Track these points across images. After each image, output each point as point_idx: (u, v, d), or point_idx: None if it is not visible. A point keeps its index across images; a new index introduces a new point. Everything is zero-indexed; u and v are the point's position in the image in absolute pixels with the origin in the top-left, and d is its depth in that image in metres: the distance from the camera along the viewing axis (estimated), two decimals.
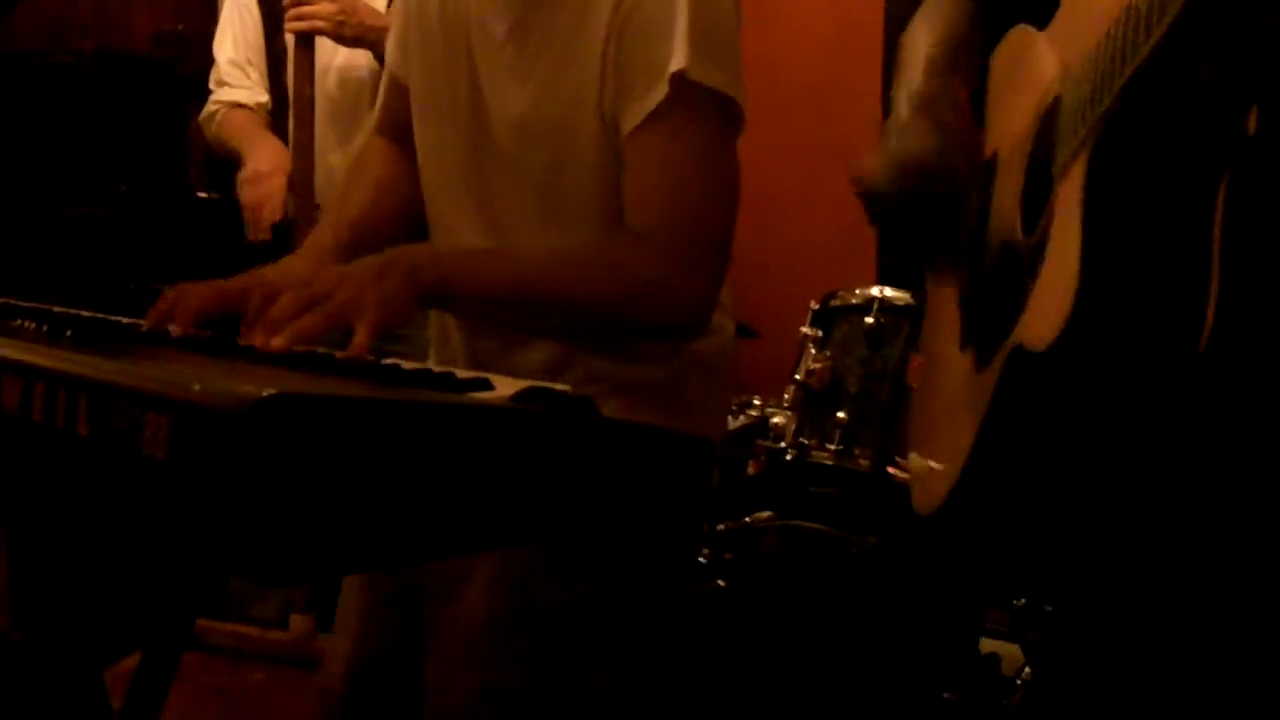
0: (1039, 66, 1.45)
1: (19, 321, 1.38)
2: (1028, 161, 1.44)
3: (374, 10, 2.87)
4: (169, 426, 0.89)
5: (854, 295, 2.94)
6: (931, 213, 1.55)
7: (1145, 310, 1.18)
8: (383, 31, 2.80)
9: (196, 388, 0.89)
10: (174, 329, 1.51)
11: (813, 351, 2.89)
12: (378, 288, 1.45)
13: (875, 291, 2.91)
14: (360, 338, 1.37)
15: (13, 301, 1.70)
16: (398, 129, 1.96)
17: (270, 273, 1.77)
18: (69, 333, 1.24)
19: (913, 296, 2.90)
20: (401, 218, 1.97)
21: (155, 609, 1.74)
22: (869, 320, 2.86)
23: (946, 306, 1.64)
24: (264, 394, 0.84)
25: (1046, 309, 1.24)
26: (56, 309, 1.61)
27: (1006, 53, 1.61)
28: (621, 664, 1.73)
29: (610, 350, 1.78)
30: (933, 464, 1.59)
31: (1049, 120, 1.37)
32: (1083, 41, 1.29)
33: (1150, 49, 1.13)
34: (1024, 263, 1.37)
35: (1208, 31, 1.13)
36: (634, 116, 1.66)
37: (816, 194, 4.04)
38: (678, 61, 1.63)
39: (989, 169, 1.57)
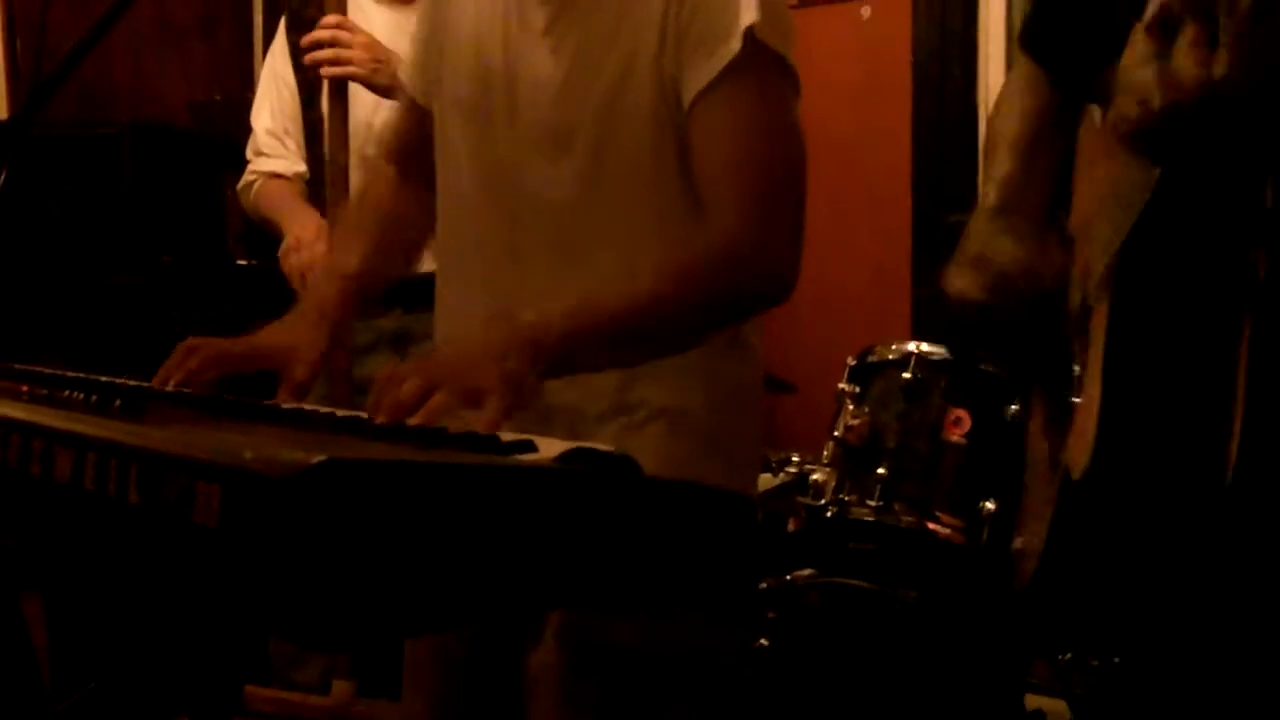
0: (1102, 154, 1.47)
1: (67, 392, 1.39)
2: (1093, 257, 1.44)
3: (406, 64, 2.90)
4: (220, 494, 0.90)
5: (890, 350, 2.94)
6: (1027, 322, 1.55)
7: (1167, 443, 1.20)
8: None
9: (247, 455, 0.90)
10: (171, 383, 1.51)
11: (850, 407, 2.88)
12: (503, 368, 1.44)
13: (911, 346, 2.90)
14: (490, 414, 1.35)
15: (59, 371, 1.72)
16: (406, 156, 1.95)
17: (274, 333, 1.78)
18: (118, 402, 1.26)
19: (948, 351, 2.90)
20: (406, 258, 1.96)
21: (201, 676, 1.74)
22: (906, 375, 2.85)
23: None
24: (314, 460, 0.85)
25: (1081, 436, 1.26)
26: (102, 378, 1.62)
27: (1086, 131, 1.62)
28: (695, 695, 1.73)
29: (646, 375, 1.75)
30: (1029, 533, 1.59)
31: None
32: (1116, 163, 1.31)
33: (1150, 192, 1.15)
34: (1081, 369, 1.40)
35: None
36: (703, 76, 1.65)
37: (849, 244, 4.06)
38: (750, 17, 1.63)
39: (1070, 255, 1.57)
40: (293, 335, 1.82)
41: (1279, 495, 1.22)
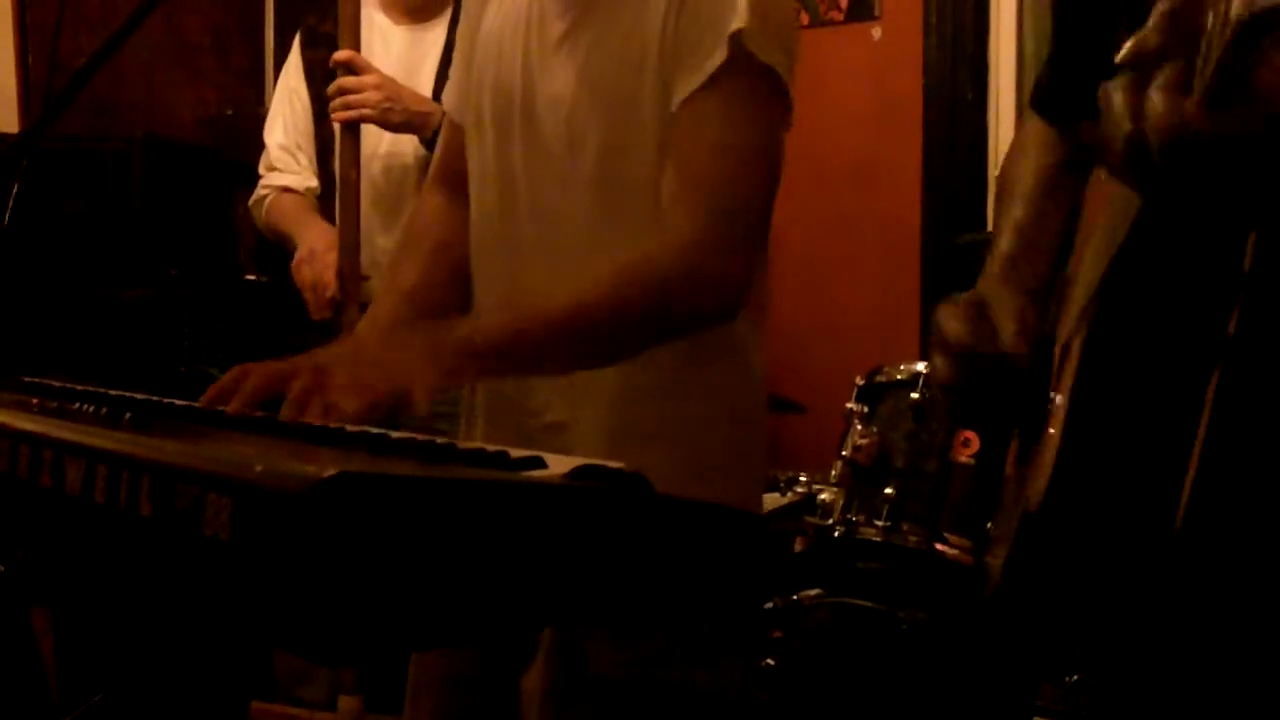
0: (1100, 208, 1.48)
1: (78, 404, 1.39)
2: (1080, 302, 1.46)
3: (418, 96, 2.90)
4: (231, 507, 0.90)
5: (899, 371, 2.94)
6: (996, 398, 1.56)
7: (1118, 488, 1.21)
8: (428, 117, 2.83)
9: (258, 469, 0.90)
10: (230, 407, 1.52)
11: (859, 427, 2.89)
12: (422, 365, 1.46)
13: (920, 367, 2.91)
14: (418, 395, 1.39)
15: (68, 384, 1.72)
16: (454, 176, 1.96)
17: (324, 355, 1.78)
18: (128, 415, 1.26)
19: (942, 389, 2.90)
20: (458, 281, 1.96)
21: (208, 690, 1.74)
22: (914, 395, 2.86)
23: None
24: (326, 474, 0.85)
25: (1040, 471, 1.27)
26: (112, 391, 1.62)
27: (1095, 182, 1.63)
28: None
29: (648, 392, 1.76)
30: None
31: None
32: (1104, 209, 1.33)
33: (1121, 244, 1.16)
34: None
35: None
36: (689, 83, 1.66)
37: (858, 264, 4.06)
38: (738, 23, 1.64)
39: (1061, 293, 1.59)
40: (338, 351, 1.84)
41: (1227, 543, 1.24)
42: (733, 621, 1.84)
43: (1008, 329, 1.53)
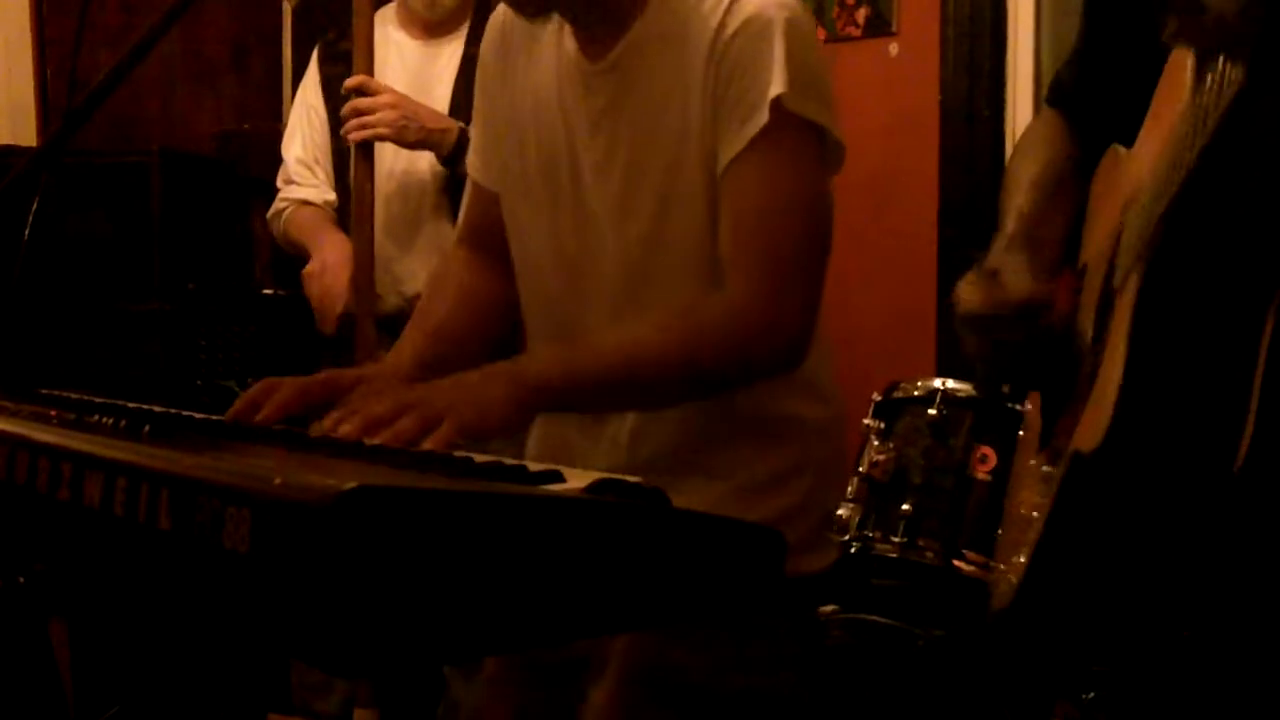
0: (1120, 184, 1.50)
1: (97, 417, 1.39)
2: (1104, 275, 1.48)
3: (434, 113, 2.91)
4: (251, 520, 0.90)
5: (916, 387, 2.93)
6: (1027, 347, 1.56)
7: (1183, 424, 1.20)
8: (444, 134, 2.84)
9: (278, 482, 0.90)
10: (258, 419, 1.54)
11: (875, 443, 2.88)
12: (474, 393, 1.49)
13: (937, 383, 2.90)
14: (444, 430, 1.39)
15: (86, 397, 1.72)
16: (480, 237, 2.00)
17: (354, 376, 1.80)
18: (147, 428, 1.26)
19: (974, 388, 2.89)
20: (482, 325, 2.00)
21: (224, 703, 1.74)
22: (931, 412, 2.85)
23: (1036, 413, 1.66)
24: (346, 487, 0.86)
25: (1095, 416, 1.27)
26: (130, 404, 1.63)
27: (1102, 172, 1.66)
28: None
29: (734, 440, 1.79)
30: (1007, 562, 1.60)
31: (1119, 235, 1.40)
32: (1150, 157, 1.32)
33: (1196, 157, 1.15)
34: (1089, 370, 1.42)
35: (1251, 140, 1.15)
36: (733, 146, 1.68)
37: (874, 283, 4.05)
38: (777, 88, 1.65)
39: (1080, 284, 1.60)
40: (368, 371, 1.90)
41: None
42: (797, 624, 1.88)
43: (1024, 278, 1.54)
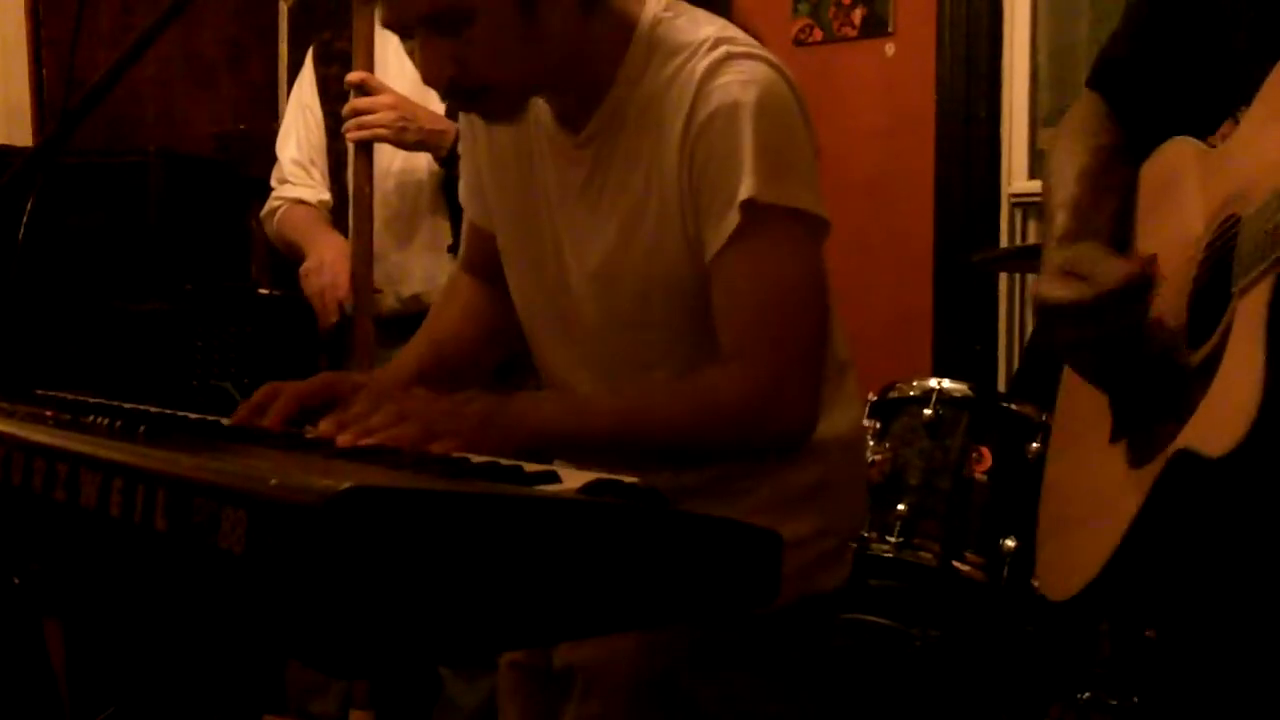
0: (1210, 181, 1.47)
1: (93, 417, 1.40)
2: (1197, 275, 1.45)
3: (433, 114, 2.91)
4: (246, 521, 0.90)
5: (912, 387, 2.94)
6: (1113, 334, 1.53)
7: None
8: (442, 135, 2.84)
9: (273, 482, 0.91)
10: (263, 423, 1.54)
11: (871, 443, 2.88)
12: (473, 423, 1.48)
13: (933, 383, 2.91)
14: (436, 450, 1.37)
15: (82, 398, 1.72)
16: (482, 269, 2.01)
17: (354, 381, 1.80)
18: (143, 428, 1.26)
19: (970, 388, 2.90)
20: (486, 344, 2.03)
21: (219, 704, 1.74)
22: (928, 412, 2.85)
23: (1089, 404, 1.64)
24: (341, 488, 0.86)
25: (1224, 418, 1.27)
26: (126, 405, 1.63)
27: (1163, 162, 1.62)
28: None
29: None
30: (1071, 554, 1.59)
31: (1225, 238, 1.38)
32: (1267, 156, 1.31)
33: None
34: (1188, 372, 1.40)
35: None
36: (714, 243, 1.67)
37: (871, 285, 4.05)
38: (746, 190, 1.63)
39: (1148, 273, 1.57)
40: (368, 378, 1.91)
41: None
42: (811, 650, 1.88)
43: (1113, 264, 1.51)
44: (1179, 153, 1.58)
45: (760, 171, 1.64)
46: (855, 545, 2.80)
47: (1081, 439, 1.67)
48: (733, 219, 1.64)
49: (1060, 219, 1.61)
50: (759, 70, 1.67)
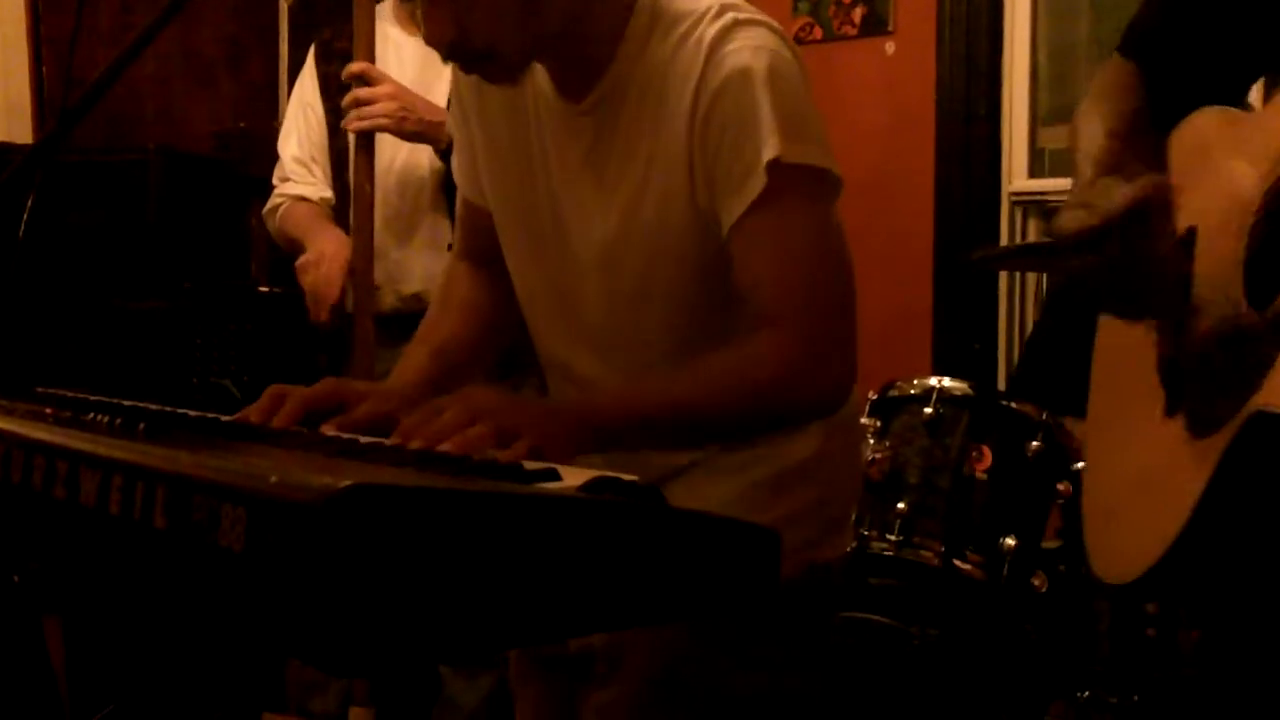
0: (1253, 142, 1.46)
1: (92, 415, 1.39)
2: (1253, 235, 1.43)
3: (432, 105, 2.90)
4: (246, 518, 0.90)
5: (912, 385, 2.94)
6: (1137, 266, 1.52)
7: None
8: (441, 127, 2.84)
9: (273, 480, 0.90)
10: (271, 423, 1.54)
11: (871, 442, 2.88)
12: (543, 420, 1.44)
13: (934, 381, 2.91)
14: (519, 447, 1.34)
15: (82, 395, 1.72)
16: (479, 253, 1.98)
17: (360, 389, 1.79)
18: (142, 425, 1.26)
19: (970, 387, 2.90)
20: (488, 338, 1.99)
21: (219, 702, 1.74)
22: (928, 410, 2.85)
23: (1133, 380, 1.62)
24: (341, 485, 0.86)
25: None
26: (126, 403, 1.63)
27: (1194, 131, 1.61)
28: None
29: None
30: (1129, 534, 1.57)
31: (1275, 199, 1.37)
32: None
33: None
34: (1258, 331, 1.37)
35: None
36: (735, 209, 1.65)
37: (870, 282, 4.03)
38: (771, 150, 1.62)
39: (1186, 240, 1.55)
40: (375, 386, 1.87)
41: None
42: (811, 632, 1.88)
43: (1120, 189, 1.50)
44: (1209, 121, 1.57)
45: (782, 132, 1.62)
46: (851, 542, 2.82)
47: (1126, 416, 1.64)
48: (756, 183, 1.63)
49: (1088, 171, 1.61)
50: (767, 36, 1.67)
